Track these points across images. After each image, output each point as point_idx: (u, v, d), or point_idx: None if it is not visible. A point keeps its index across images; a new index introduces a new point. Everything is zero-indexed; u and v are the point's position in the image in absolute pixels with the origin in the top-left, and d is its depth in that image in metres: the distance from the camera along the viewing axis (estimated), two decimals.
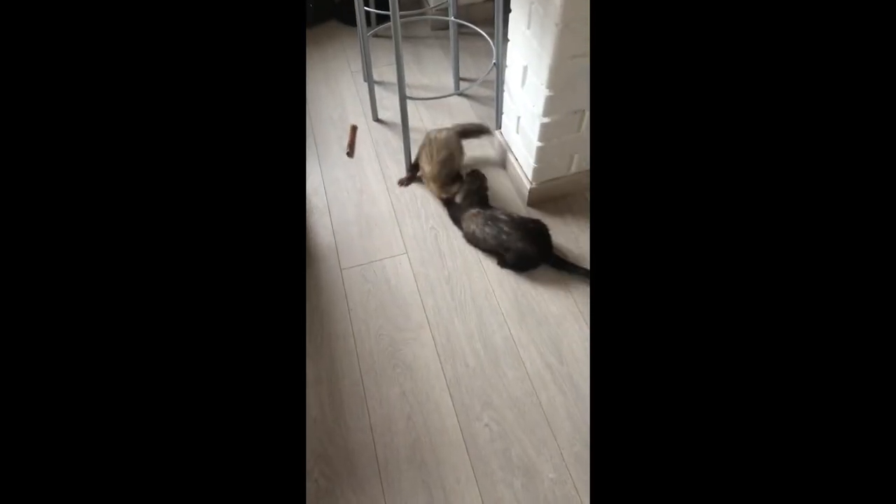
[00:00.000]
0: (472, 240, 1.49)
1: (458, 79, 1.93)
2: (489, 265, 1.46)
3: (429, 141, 1.57)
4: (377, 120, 1.86)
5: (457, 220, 1.53)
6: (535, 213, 1.57)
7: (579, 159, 1.53)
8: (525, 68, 1.39)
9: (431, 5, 2.13)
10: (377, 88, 1.91)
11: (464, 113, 1.88)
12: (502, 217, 1.44)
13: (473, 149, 1.70)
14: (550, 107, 1.34)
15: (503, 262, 1.44)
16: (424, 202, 1.62)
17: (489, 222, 1.43)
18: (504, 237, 1.39)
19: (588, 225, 1.54)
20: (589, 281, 1.38)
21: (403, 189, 1.65)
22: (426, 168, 1.57)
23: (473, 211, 1.47)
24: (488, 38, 1.83)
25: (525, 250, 1.39)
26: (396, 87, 1.51)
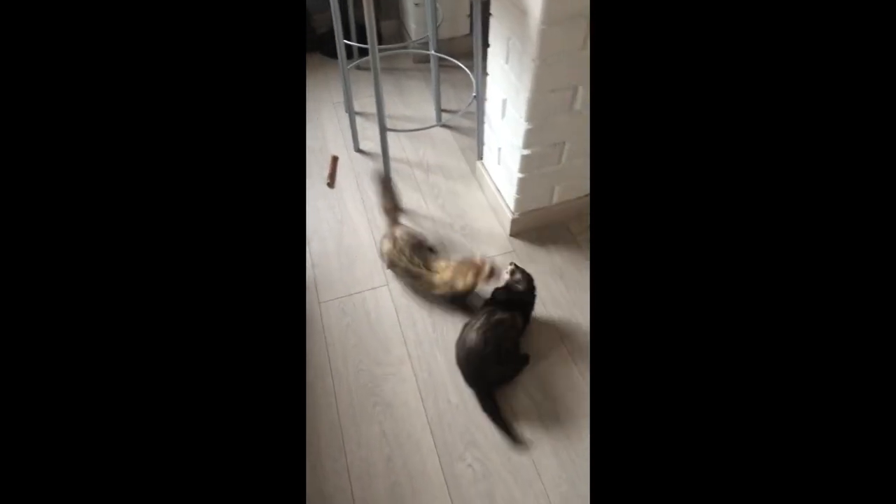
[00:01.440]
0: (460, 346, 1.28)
1: (439, 110, 1.95)
2: None
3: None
4: (358, 150, 1.86)
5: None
6: (517, 244, 1.56)
7: (560, 190, 1.53)
8: (504, 101, 1.40)
9: (413, 39, 2.16)
10: (359, 119, 1.91)
11: (446, 143, 1.88)
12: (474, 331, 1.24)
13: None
14: (530, 139, 1.34)
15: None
16: None
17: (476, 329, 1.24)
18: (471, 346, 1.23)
19: (571, 256, 1.53)
20: (511, 439, 1.17)
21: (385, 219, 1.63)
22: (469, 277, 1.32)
23: (490, 309, 1.27)
24: (468, 72, 1.85)
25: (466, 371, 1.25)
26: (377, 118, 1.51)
